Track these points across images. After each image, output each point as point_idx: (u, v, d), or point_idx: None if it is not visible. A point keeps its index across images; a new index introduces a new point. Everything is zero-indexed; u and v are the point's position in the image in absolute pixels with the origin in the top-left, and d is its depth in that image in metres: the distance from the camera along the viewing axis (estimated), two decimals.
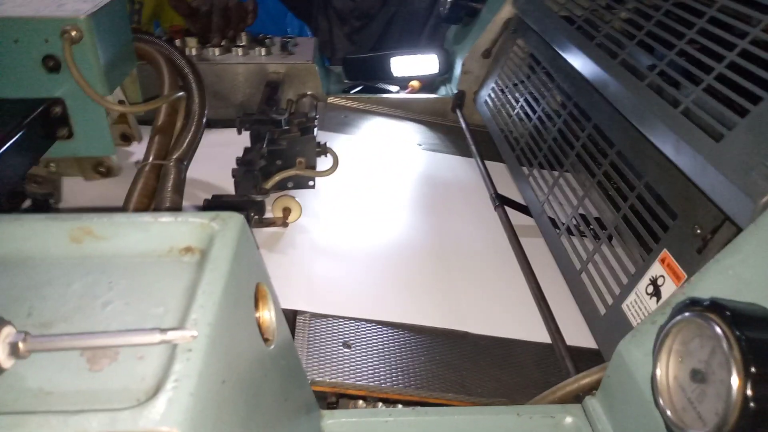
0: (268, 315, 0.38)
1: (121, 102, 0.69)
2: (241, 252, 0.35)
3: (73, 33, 0.59)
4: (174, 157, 0.62)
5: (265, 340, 0.37)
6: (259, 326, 0.37)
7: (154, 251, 0.36)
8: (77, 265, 0.35)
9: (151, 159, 0.63)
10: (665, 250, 0.53)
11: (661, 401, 0.35)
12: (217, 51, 1.08)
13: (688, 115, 0.56)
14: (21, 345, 0.27)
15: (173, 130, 0.67)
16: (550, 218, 0.73)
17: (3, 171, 0.56)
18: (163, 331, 0.27)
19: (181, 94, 0.68)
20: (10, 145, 0.57)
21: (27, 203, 0.68)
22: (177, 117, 0.68)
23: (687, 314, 0.35)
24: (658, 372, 0.35)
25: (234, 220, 0.36)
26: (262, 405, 0.35)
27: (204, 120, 0.69)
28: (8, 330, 0.27)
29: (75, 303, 0.32)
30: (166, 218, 0.36)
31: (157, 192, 0.58)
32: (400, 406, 0.53)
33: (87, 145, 0.67)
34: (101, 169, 0.73)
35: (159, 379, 0.27)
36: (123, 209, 0.58)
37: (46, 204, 0.65)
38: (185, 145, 0.64)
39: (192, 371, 0.26)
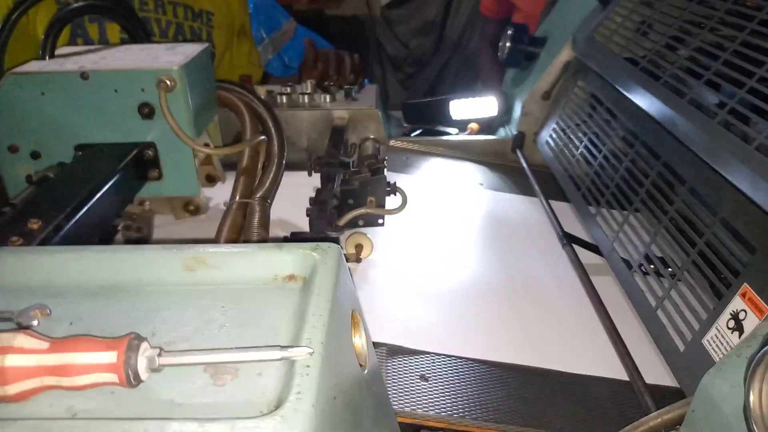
0: (360, 341, 0.40)
1: (206, 145, 0.73)
2: (340, 280, 0.37)
3: (168, 82, 0.64)
4: (258, 195, 0.66)
5: (360, 365, 0.39)
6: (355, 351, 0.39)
7: (259, 279, 0.38)
8: (191, 292, 0.38)
9: (237, 198, 0.67)
10: (745, 284, 0.53)
11: (756, 430, 0.35)
12: (284, 98, 1.13)
13: (762, 150, 0.56)
14: (157, 359, 0.29)
15: (256, 171, 0.71)
16: (621, 256, 0.73)
17: (102, 210, 0.61)
18: (283, 348, 0.30)
19: (262, 138, 0.72)
20: (110, 186, 0.62)
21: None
22: (259, 159, 0.72)
23: None
24: (752, 400, 0.35)
25: (333, 250, 0.39)
26: (362, 426, 0.36)
27: (283, 161, 0.73)
28: (145, 345, 0.29)
29: (193, 325, 0.35)
30: (270, 248, 0.39)
31: (245, 228, 0.62)
32: None
33: (175, 186, 0.71)
34: (191, 207, 0.77)
35: (279, 392, 0.29)
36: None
37: (138, 240, 0.69)
38: (267, 184, 0.68)
39: (312, 385, 0.28)
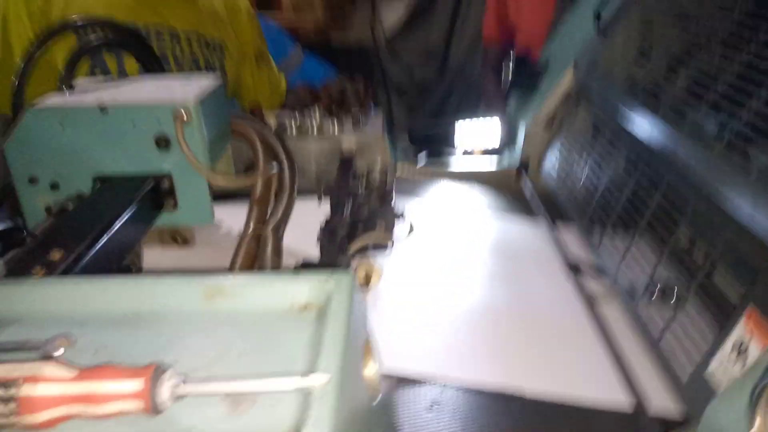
0: (372, 371, 0.41)
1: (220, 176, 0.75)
2: (354, 309, 0.38)
3: (184, 115, 0.66)
4: (271, 225, 0.68)
5: (372, 394, 0.40)
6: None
7: (276, 307, 0.40)
8: (210, 320, 0.39)
9: (251, 226, 0.68)
10: (748, 312, 0.53)
11: None
12: (293, 127, 1.15)
13: (760, 180, 0.57)
14: (180, 387, 0.30)
15: (269, 200, 0.73)
16: (625, 282, 0.74)
17: (121, 240, 0.62)
18: (300, 377, 0.31)
19: (275, 169, 0.74)
20: (128, 216, 0.63)
21: None
22: (271, 188, 0.74)
23: None
24: (756, 427, 0.36)
25: (347, 279, 0.40)
26: None
27: (295, 191, 0.75)
28: (169, 374, 0.31)
29: (213, 353, 0.36)
30: (286, 278, 0.40)
31: (259, 257, 0.63)
32: None
33: (190, 215, 0.73)
34: (178, 238, 0.79)
35: (297, 419, 0.31)
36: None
37: (128, 270, 0.70)
38: (280, 214, 0.70)
39: (328, 413, 0.29)
